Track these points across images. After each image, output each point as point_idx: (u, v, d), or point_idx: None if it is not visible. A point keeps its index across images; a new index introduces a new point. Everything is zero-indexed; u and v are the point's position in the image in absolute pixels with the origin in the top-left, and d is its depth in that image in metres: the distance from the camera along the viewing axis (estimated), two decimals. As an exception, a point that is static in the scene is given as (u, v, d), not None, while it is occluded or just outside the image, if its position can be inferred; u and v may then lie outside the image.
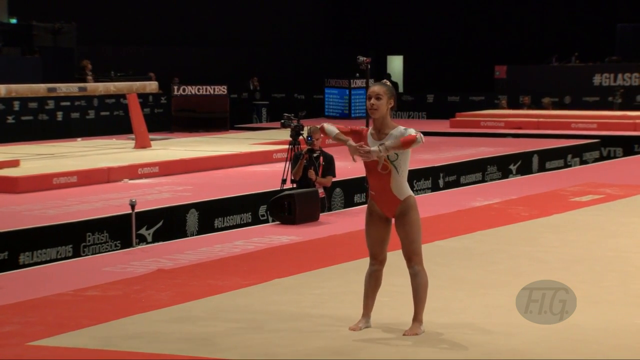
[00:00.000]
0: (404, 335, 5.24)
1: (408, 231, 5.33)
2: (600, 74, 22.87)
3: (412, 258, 5.36)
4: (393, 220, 5.42)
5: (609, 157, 17.37)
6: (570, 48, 25.18)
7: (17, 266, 8.03)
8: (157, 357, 4.94)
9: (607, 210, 9.93)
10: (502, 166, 14.80)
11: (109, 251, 8.71)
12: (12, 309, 5.92)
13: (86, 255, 8.60)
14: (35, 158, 13.23)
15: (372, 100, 5.19)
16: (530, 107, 22.03)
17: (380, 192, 5.31)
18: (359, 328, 5.32)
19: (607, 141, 17.80)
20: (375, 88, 5.23)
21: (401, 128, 5.27)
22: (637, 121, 19.32)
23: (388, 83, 5.34)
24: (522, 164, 15.19)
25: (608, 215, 9.62)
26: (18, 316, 5.72)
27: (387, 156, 5.21)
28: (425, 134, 19.35)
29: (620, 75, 22.68)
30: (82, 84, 15.42)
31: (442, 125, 20.56)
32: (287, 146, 10.55)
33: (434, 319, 5.55)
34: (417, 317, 5.30)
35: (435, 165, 13.68)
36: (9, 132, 16.78)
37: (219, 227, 10.00)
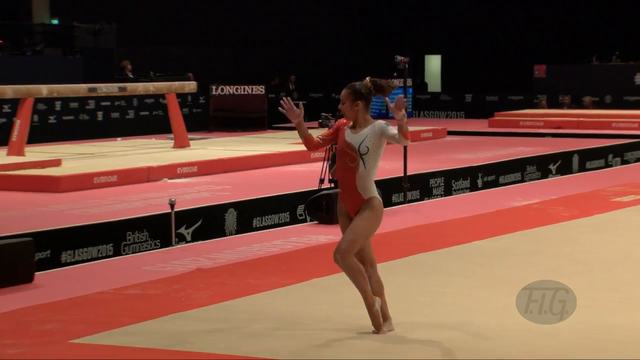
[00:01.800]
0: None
1: (355, 224, 5.22)
2: (641, 73, 22.60)
3: (339, 248, 5.20)
4: None
5: (650, 157, 17.15)
6: (610, 47, 24.90)
7: (59, 265, 8.12)
8: (196, 355, 4.98)
9: (649, 210, 9.82)
10: (542, 166, 14.67)
11: (148, 250, 8.78)
12: (54, 307, 5.99)
13: (126, 254, 8.68)
14: (77, 157, 13.37)
15: (340, 104, 5.35)
16: (570, 107, 21.82)
17: (345, 188, 5.31)
18: (383, 332, 5.27)
19: (648, 140, 17.57)
20: (342, 93, 5.34)
21: (378, 122, 5.28)
22: (679, 120, 19.07)
23: (366, 83, 5.31)
24: (562, 163, 15.04)
25: (650, 215, 9.51)
26: (60, 314, 5.79)
27: (358, 149, 5.21)
28: (464, 133, 19.12)
29: (661, 75, 22.39)
30: (122, 84, 15.54)
31: (481, 125, 20.44)
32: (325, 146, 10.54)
33: (473, 319, 5.53)
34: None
35: (474, 165, 13.60)
36: (51, 131, 16.99)
37: (257, 226, 10.04)
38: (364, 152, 5.22)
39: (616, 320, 5.52)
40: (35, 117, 15.81)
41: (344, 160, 5.27)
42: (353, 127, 5.31)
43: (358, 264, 5.24)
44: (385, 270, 6.99)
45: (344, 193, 5.33)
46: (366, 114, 5.32)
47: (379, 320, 5.25)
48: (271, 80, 23.97)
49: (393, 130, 5.22)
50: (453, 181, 12.88)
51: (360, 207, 5.25)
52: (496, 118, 20.73)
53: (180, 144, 14.69)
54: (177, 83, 15.95)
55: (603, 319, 5.60)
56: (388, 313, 5.32)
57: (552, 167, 14.88)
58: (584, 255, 7.55)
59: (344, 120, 5.39)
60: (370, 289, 5.24)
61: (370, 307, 5.23)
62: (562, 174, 14.60)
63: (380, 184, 11.21)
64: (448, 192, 12.72)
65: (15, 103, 13.87)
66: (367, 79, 5.37)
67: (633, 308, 5.82)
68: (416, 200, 11.88)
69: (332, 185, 9.85)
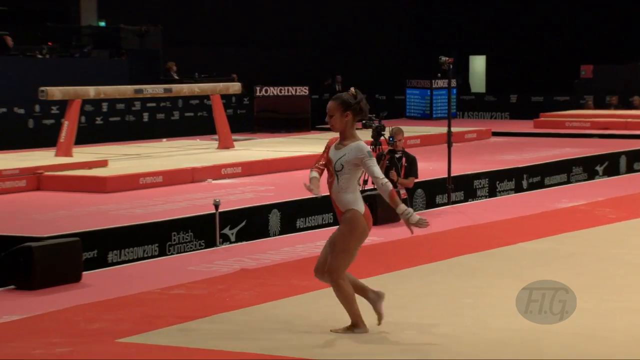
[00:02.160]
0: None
1: (331, 242, 5.29)
2: (690, 73, 22.24)
3: (328, 273, 5.26)
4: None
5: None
6: (659, 46, 24.53)
7: (106, 264, 8.22)
8: (240, 356, 5.01)
9: (698, 213, 9.66)
10: (588, 167, 14.51)
11: (193, 250, 8.85)
12: (101, 306, 6.07)
13: (171, 254, 8.76)
14: (123, 158, 13.52)
15: (327, 118, 5.29)
16: (617, 107, 21.53)
17: (332, 197, 5.33)
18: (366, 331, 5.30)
19: (698, 142, 17.27)
20: (328, 105, 5.28)
21: (359, 145, 5.23)
22: None
23: (352, 93, 5.27)
24: (609, 165, 14.86)
25: (699, 218, 9.35)
26: (107, 313, 5.86)
27: (334, 164, 5.24)
28: (508, 134, 18.92)
29: None
30: (167, 86, 15.68)
31: (526, 126, 20.27)
32: (368, 147, 10.54)
33: (517, 322, 5.49)
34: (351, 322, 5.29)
35: (519, 166, 13.50)
36: (98, 132, 17.19)
37: (301, 227, 10.06)
38: (338, 169, 5.25)
39: (664, 324, 5.45)
40: (83, 118, 16.01)
41: (328, 174, 5.31)
42: (339, 143, 5.30)
43: (348, 286, 5.25)
44: (429, 272, 6.98)
45: (333, 202, 5.36)
46: (352, 128, 5.29)
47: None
48: (323, 80, 24.04)
49: (373, 168, 5.17)
50: (497, 182, 12.79)
51: (342, 218, 5.30)
52: (541, 119, 20.54)
53: (225, 145, 14.78)
54: (221, 84, 16.05)
55: (651, 322, 5.52)
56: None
57: (599, 169, 14.71)
58: (631, 257, 7.45)
59: (333, 139, 5.37)
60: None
61: (355, 326, 5.24)
62: (609, 176, 14.42)
63: (424, 185, 11.26)
64: (492, 193, 12.63)
65: (63, 104, 14.06)
66: (352, 89, 5.33)
67: (682, 312, 5.74)
68: (460, 201, 11.81)
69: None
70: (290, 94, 19.83)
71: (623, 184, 12.36)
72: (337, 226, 5.39)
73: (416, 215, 5.22)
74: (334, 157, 5.27)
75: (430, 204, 11.41)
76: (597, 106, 22.06)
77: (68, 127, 12.97)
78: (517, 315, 5.63)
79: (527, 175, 13.38)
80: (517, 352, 5.00)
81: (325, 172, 5.41)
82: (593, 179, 14.24)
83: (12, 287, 6.56)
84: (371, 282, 6.67)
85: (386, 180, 5.25)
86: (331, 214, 10.51)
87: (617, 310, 5.81)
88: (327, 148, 5.38)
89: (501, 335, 5.28)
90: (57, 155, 12.85)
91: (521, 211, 9.90)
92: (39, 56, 17.76)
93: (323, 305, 6.04)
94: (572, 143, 16.90)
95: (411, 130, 16.31)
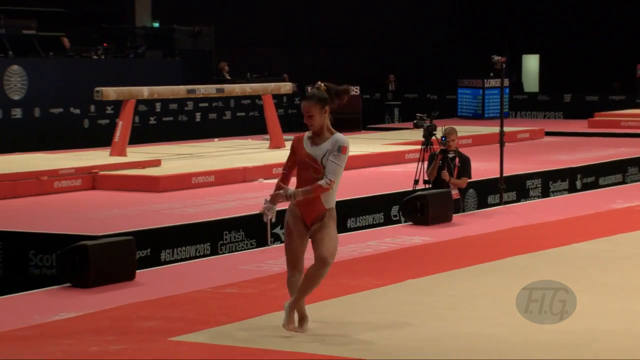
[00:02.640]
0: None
1: (330, 235, 5.23)
2: None
3: (329, 256, 5.23)
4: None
5: None
6: None
7: (159, 263, 8.32)
8: (292, 355, 5.03)
9: None
10: (644, 167, 14.28)
11: (244, 249, 8.91)
12: (154, 304, 6.14)
13: (223, 253, 8.82)
14: (175, 158, 13.66)
15: (306, 119, 5.20)
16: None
17: (309, 199, 5.21)
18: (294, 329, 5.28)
19: None
20: (304, 106, 5.20)
21: (337, 138, 5.17)
22: None
23: (322, 87, 5.23)
24: (666, 165, 14.60)
25: None
26: (160, 311, 5.93)
27: (321, 162, 5.17)
28: (562, 134, 18.70)
29: None
30: (219, 86, 15.79)
31: (580, 126, 20.01)
32: (419, 147, 10.52)
33: (570, 324, 5.43)
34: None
35: (573, 166, 13.34)
36: (151, 132, 17.39)
37: (352, 227, 10.06)
38: (325, 164, 5.18)
39: None
40: (137, 118, 16.20)
41: (309, 172, 5.19)
42: (313, 138, 5.23)
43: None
44: (480, 272, 6.94)
45: (306, 203, 5.23)
46: (328, 122, 5.24)
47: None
48: (385, 80, 24.03)
49: (333, 164, 5.12)
50: (551, 182, 12.65)
51: (322, 217, 5.24)
52: (596, 118, 20.26)
53: (276, 145, 14.85)
54: (273, 84, 16.12)
55: None
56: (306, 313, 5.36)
57: (655, 169, 14.46)
58: (688, 259, 7.32)
59: (297, 136, 5.30)
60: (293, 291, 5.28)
61: (292, 308, 5.28)
62: (665, 176, 14.17)
63: (475, 184, 11.19)
64: (545, 193, 12.50)
65: (117, 105, 14.25)
66: (321, 84, 5.29)
67: None
68: (512, 201, 11.71)
69: (427, 186, 9.80)
70: (341, 93, 19.81)
71: (680, 185, 12.13)
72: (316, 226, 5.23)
73: (290, 190, 5.18)
74: (315, 153, 5.20)
75: (482, 204, 11.33)
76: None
77: (122, 127, 13.14)
78: (572, 316, 5.57)
79: (581, 175, 13.20)
80: (572, 354, 4.94)
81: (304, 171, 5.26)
82: (649, 179, 14.02)
83: (67, 284, 6.67)
84: (422, 282, 6.66)
85: (326, 182, 5.15)
86: (382, 214, 10.50)
87: (673, 313, 5.71)
88: (296, 147, 5.27)
89: (556, 337, 5.23)
90: (111, 154, 13.03)
91: (575, 212, 9.78)
92: (95, 57, 18.03)
93: (374, 304, 6.04)
94: (628, 143, 16.64)
95: (463, 129, 16.20)
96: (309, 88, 22.48)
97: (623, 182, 13.71)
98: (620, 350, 5.01)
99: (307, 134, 5.29)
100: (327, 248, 5.24)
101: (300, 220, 5.28)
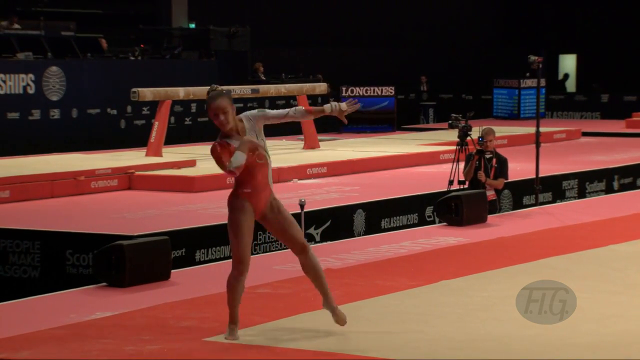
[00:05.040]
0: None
1: (290, 219, 5.27)
2: None
3: (306, 245, 5.29)
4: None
5: None
6: None
7: (194, 263, 8.37)
8: (325, 355, 5.04)
9: None
10: (683, 168, 14.08)
11: (278, 250, 8.93)
12: (189, 304, 6.19)
13: (257, 253, 8.85)
14: (210, 158, 13.67)
15: (221, 117, 5.12)
16: None
17: (257, 187, 5.23)
18: (236, 338, 5.20)
19: None
20: (218, 104, 5.10)
21: (251, 113, 5.24)
22: None
23: (218, 88, 5.20)
24: None
25: None
26: (195, 311, 5.97)
27: (265, 148, 5.24)
28: (599, 134, 18.53)
29: None
30: (254, 86, 15.85)
31: (617, 126, 19.80)
32: (454, 147, 10.48)
33: (608, 326, 5.38)
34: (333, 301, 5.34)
35: (610, 167, 13.20)
36: (187, 133, 17.50)
37: (386, 227, 10.06)
38: (267, 150, 5.24)
39: None
40: (172, 119, 16.32)
41: (253, 160, 5.14)
42: (230, 135, 5.16)
43: None
44: (515, 274, 6.89)
45: (255, 193, 5.23)
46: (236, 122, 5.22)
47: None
48: (419, 81, 23.98)
49: (272, 111, 5.23)
50: (587, 183, 12.54)
51: (269, 200, 5.28)
52: (634, 119, 20.02)
53: (310, 145, 14.87)
54: (307, 85, 16.15)
55: None
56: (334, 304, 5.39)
57: (694, 170, 14.26)
58: None
59: (216, 143, 5.13)
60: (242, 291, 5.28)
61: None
62: None
63: (511, 185, 11.11)
64: (582, 194, 12.39)
65: (154, 105, 14.36)
66: (214, 86, 5.28)
67: None
68: (548, 202, 11.63)
69: (461, 186, 9.76)
70: (376, 94, 19.82)
71: None
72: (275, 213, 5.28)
73: (342, 103, 5.26)
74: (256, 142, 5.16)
75: (518, 204, 11.26)
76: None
77: (158, 128, 13.24)
78: (607, 318, 5.52)
79: (618, 176, 13.07)
80: (610, 356, 4.90)
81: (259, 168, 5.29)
82: (688, 180, 13.83)
83: (103, 284, 6.74)
84: (457, 283, 6.63)
85: (293, 108, 5.30)
86: (416, 214, 10.48)
87: None
88: (220, 155, 5.18)
89: (591, 339, 5.19)
90: (147, 155, 13.13)
91: (612, 213, 9.68)
92: (132, 58, 18.18)
93: (409, 305, 6.03)
94: (666, 143, 16.43)
95: (498, 130, 15.99)
96: (344, 89, 22.54)
97: (661, 183, 13.55)
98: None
99: (218, 141, 5.11)
100: (299, 231, 5.34)
101: (250, 213, 5.25)
